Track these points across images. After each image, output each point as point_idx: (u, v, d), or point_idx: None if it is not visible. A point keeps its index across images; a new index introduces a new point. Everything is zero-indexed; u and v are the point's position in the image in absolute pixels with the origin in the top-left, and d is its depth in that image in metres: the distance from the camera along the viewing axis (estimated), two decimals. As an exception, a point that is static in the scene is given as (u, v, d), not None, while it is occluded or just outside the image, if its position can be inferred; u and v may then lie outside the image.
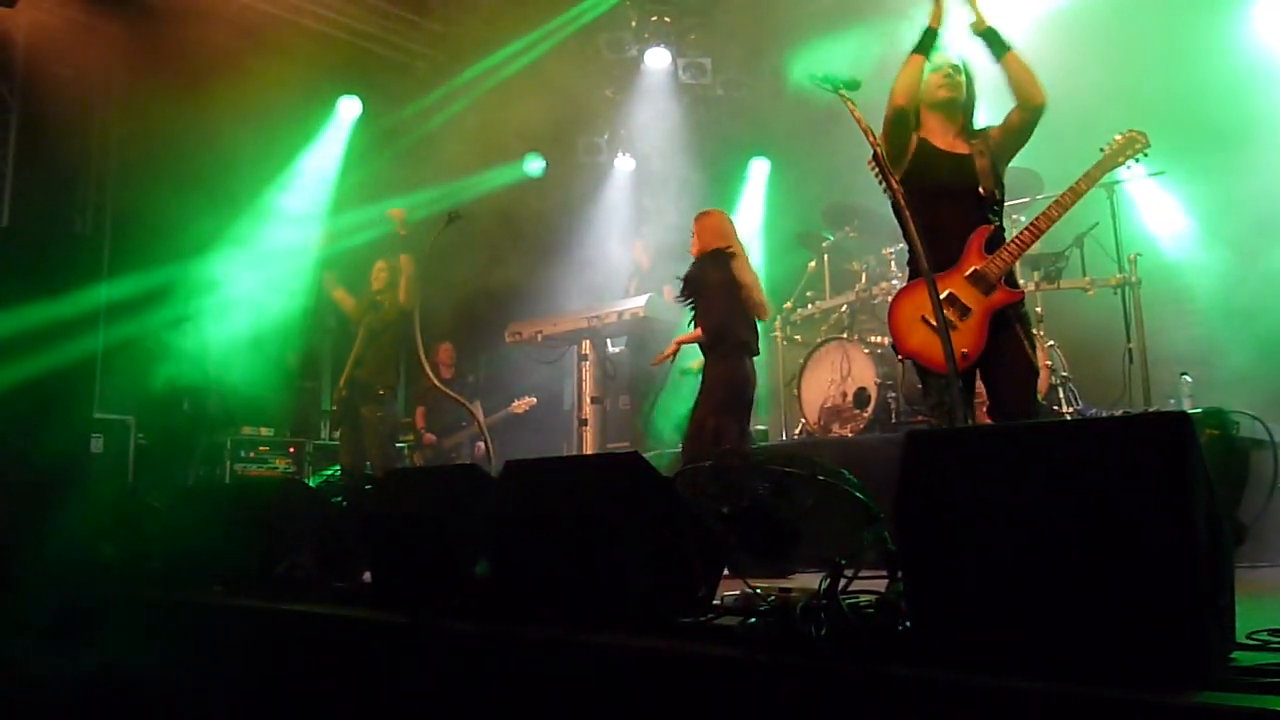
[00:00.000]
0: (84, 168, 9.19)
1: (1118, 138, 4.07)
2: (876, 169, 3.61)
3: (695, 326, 5.67)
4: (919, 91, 4.03)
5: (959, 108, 4.09)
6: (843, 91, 3.58)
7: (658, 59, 9.83)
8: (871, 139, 3.52)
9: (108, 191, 9.23)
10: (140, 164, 8.97)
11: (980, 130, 4.11)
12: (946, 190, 3.96)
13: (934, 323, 3.75)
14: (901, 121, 4.01)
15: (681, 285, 5.76)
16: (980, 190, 3.92)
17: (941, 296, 3.79)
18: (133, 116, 9.02)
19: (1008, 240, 3.96)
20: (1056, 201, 3.91)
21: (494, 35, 9.59)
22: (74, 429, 7.57)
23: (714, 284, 5.52)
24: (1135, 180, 6.67)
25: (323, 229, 7.90)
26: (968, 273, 3.88)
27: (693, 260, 5.76)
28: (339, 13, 9.09)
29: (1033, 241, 3.93)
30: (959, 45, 4.17)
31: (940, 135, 4.07)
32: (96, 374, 8.02)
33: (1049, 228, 3.92)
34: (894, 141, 4.03)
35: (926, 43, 4.02)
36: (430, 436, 9.06)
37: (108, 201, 9.20)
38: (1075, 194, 3.91)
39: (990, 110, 4.21)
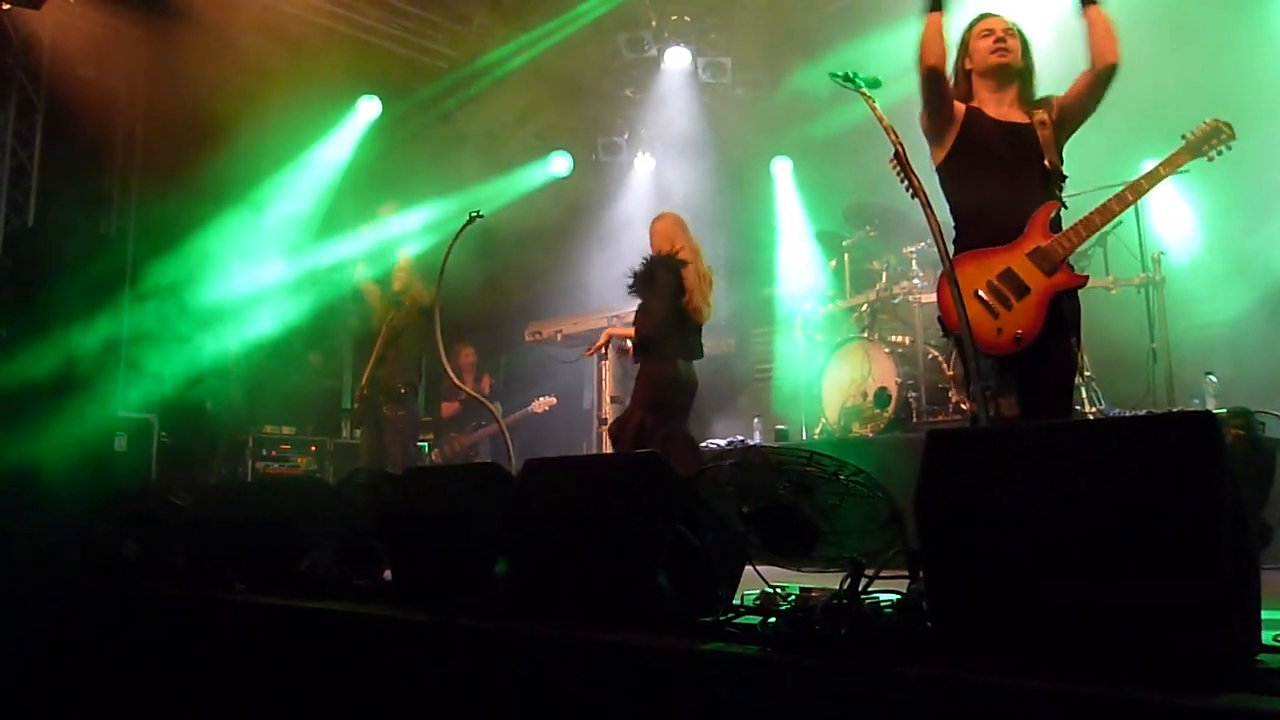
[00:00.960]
0: (109, 168, 9.26)
1: (1202, 125, 3.81)
2: (898, 167, 3.55)
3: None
4: (941, 49, 3.78)
5: (1013, 74, 3.87)
6: (864, 90, 3.51)
7: (677, 58, 9.81)
8: (893, 137, 3.47)
9: (132, 191, 9.29)
10: (164, 164, 9.02)
11: (1042, 99, 3.89)
12: (1003, 162, 3.75)
13: (985, 298, 3.64)
14: (934, 82, 3.78)
15: (630, 281, 5.79)
16: (1045, 163, 3.73)
17: (999, 272, 3.67)
18: (157, 117, 9.08)
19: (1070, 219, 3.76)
20: (1132, 185, 3.71)
21: (513, 35, 9.60)
22: (98, 427, 7.64)
23: (658, 288, 5.59)
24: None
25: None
26: (1029, 250, 3.67)
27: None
28: (360, 13, 9.13)
29: (1104, 224, 3.74)
30: (1010, 10, 4.02)
31: (993, 104, 3.86)
32: (121, 372, 8.09)
33: (1122, 210, 3.72)
34: (932, 106, 3.84)
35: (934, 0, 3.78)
36: (453, 439, 9.08)
37: (132, 201, 9.27)
38: (1154, 178, 3.72)
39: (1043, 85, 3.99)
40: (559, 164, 11.07)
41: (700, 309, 5.62)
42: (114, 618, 4.39)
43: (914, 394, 6.85)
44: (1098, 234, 6.38)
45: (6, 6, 7.23)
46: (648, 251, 5.85)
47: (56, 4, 7.44)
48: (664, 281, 5.58)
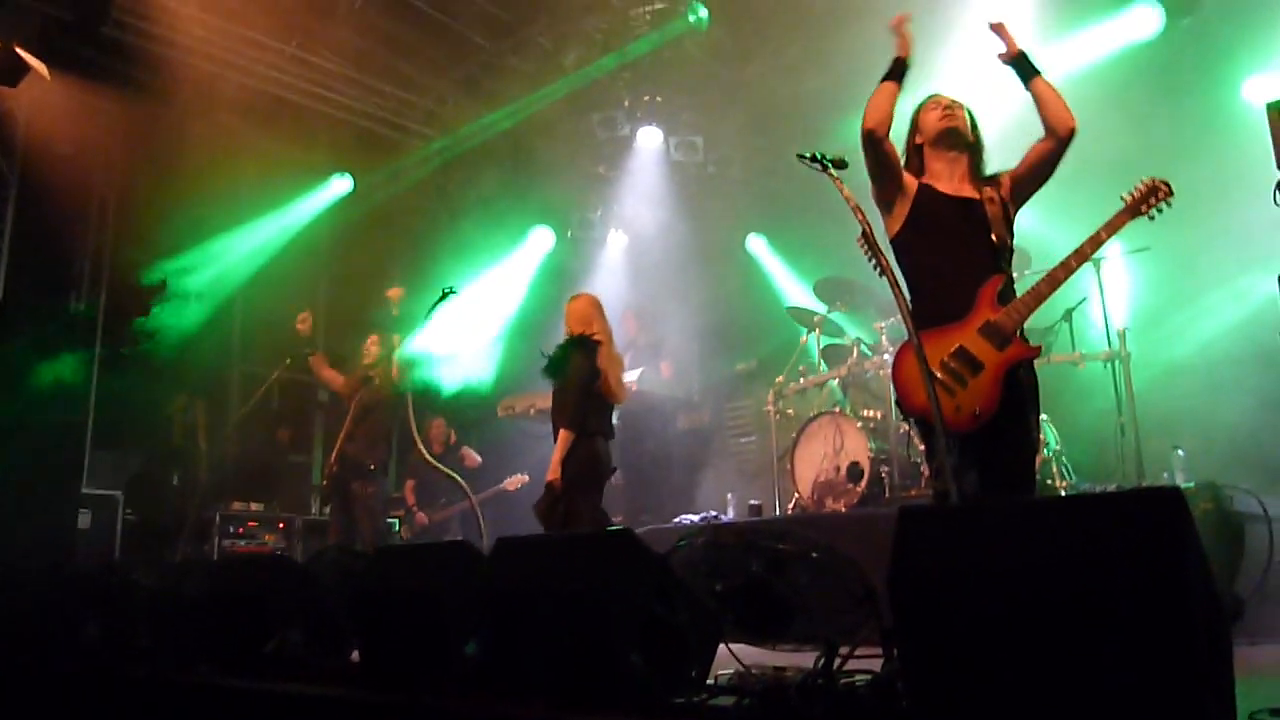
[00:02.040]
0: (80, 244, 9.24)
1: (1140, 185, 3.84)
2: (866, 246, 3.60)
3: (551, 406, 5.86)
4: (883, 115, 3.86)
5: (964, 146, 3.96)
6: (831, 170, 3.57)
7: (650, 137, 9.99)
8: (860, 216, 3.52)
9: (103, 267, 9.27)
10: (137, 241, 9.05)
11: (991, 175, 3.97)
12: (954, 237, 3.81)
13: (941, 377, 3.63)
14: (872, 145, 3.85)
15: (545, 364, 5.88)
16: (992, 237, 3.77)
17: (952, 350, 3.69)
18: (130, 193, 9.11)
19: (1020, 292, 3.79)
20: (1076, 251, 3.73)
21: (487, 113, 9.75)
22: (62, 503, 7.52)
23: (574, 371, 5.71)
24: (1121, 256, 6.76)
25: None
26: (980, 325, 3.69)
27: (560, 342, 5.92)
28: (335, 91, 9.22)
29: (1050, 293, 3.74)
30: (958, 89, 4.11)
31: (946, 179, 3.93)
32: (86, 449, 7.99)
33: (1067, 278, 3.75)
34: (872, 169, 3.90)
35: (897, 71, 3.92)
36: (423, 517, 9.00)
37: (103, 277, 9.24)
38: (1096, 242, 3.74)
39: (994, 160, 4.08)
40: (538, 239, 11.19)
41: (614, 391, 5.80)
42: (73, 700, 4.27)
43: (886, 469, 6.86)
44: (1063, 310, 6.60)
45: (-18, 84, 7.27)
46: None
47: (33, 81, 7.48)
48: (579, 365, 5.71)
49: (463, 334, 8.72)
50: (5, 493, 6.92)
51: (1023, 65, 3.91)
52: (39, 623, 5.12)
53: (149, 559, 7.59)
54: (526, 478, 9.09)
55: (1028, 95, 3.93)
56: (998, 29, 4.00)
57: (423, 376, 7.57)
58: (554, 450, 5.62)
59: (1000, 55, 3.97)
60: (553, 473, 5.53)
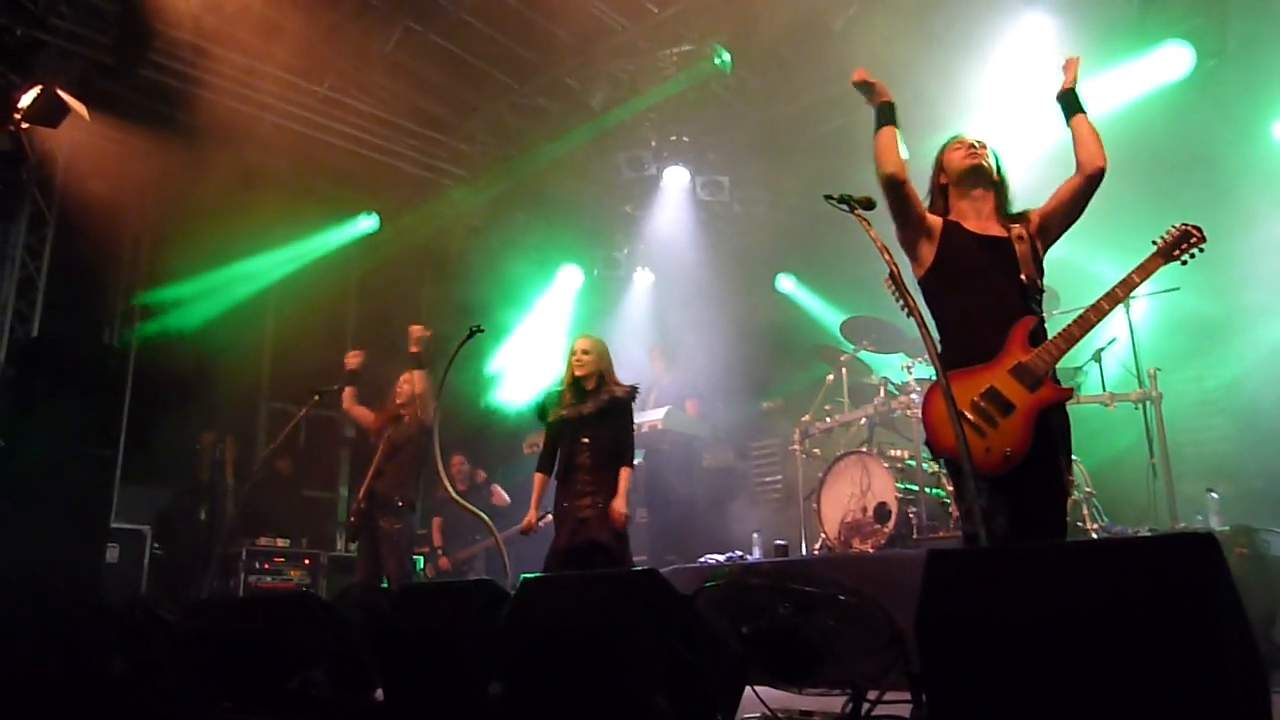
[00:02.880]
0: (114, 280, 9.41)
1: (1172, 230, 3.80)
2: (893, 287, 3.58)
3: (585, 441, 5.74)
4: (897, 157, 3.87)
5: (988, 181, 3.94)
6: (858, 211, 3.56)
7: (676, 177, 10.04)
8: (887, 257, 3.50)
9: (136, 304, 9.43)
10: (169, 278, 9.20)
11: (1019, 213, 3.93)
12: (983, 276, 3.77)
13: (971, 418, 3.59)
14: (894, 188, 3.85)
15: (610, 406, 5.78)
16: (1022, 277, 3.74)
17: (982, 390, 3.64)
18: (164, 230, 9.26)
19: (1050, 333, 3.74)
20: (1108, 294, 3.69)
21: (516, 153, 9.86)
22: (90, 538, 7.58)
23: (628, 420, 5.86)
24: (1152, 296, 6.70)
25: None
26: (1011, 366, 3.64)
27: (603, 382, 5.84)
28: (366, 132, 9.36)
29: (1082, 335, 3.70)
30: (980, 131, 4.10)
31: (972, 218, 3.90)
32: (115, 483, 8.06)
33: (1099, 320, 3.71)
34: (896, 212, 3.89)
35: (886, 115, 3.95)
36: (445, 561, 9.00)
37: (135, 314, 9.40)
38: (1128, 285, 3.71)
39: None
40: (567, 277, 11.26)
41: None
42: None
43: (914, 509, 6.80)
44: (1093, 351, 6.55)
45: (26, 126, 7.43)
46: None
47: (74, 122, 7.64)
48: (630, 415, 5.86)
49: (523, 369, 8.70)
50: (35, 525, 6.98)
51: (1070, 101, 3.93)
52: (65, 656, 5.14)
53: (175, 594, 7.62)
54: (550, 516, 9.07)
55: (1062, 134, 3.93)
56: (1071, 64, 4.02)
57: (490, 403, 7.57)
58: (619, 484, 5.64)
59: (1061, 87, 3.97)
60: (622, 502, 5.59)
